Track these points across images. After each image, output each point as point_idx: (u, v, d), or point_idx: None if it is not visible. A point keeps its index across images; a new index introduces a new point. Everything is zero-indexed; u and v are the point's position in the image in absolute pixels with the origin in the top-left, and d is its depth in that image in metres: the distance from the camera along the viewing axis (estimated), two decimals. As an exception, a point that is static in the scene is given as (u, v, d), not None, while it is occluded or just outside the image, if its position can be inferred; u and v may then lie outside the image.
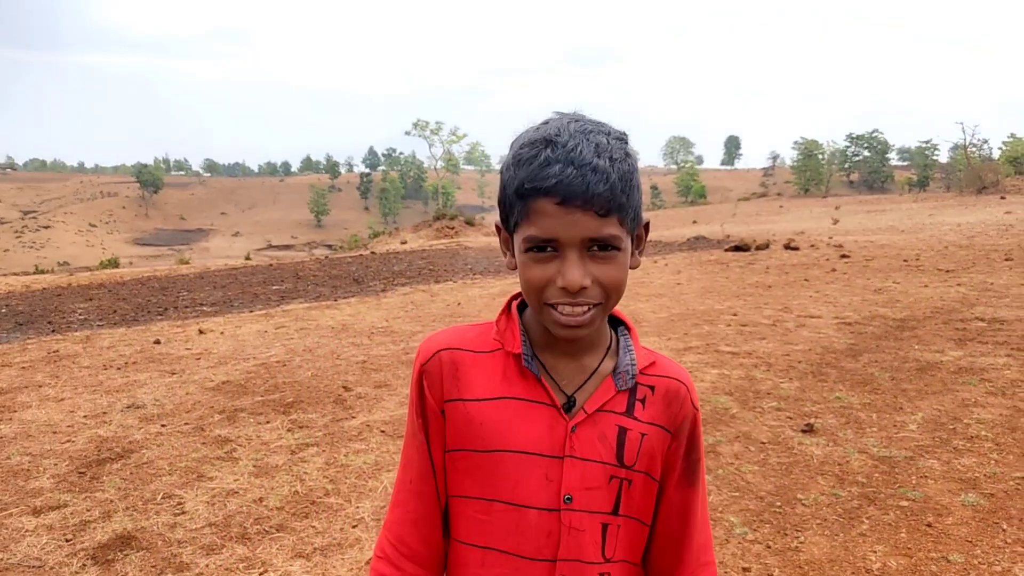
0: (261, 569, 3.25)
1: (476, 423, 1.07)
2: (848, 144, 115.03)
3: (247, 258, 33.14)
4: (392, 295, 12.76)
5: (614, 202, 0.96)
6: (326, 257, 25.47)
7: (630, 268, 1.05)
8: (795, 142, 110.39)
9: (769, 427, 4.91)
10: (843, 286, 11.34)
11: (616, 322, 1.17)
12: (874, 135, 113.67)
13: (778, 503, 3.77)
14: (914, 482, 3.95)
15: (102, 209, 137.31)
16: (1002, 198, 35.77)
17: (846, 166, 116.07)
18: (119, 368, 7.30)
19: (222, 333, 9.15)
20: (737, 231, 26.27)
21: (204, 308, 11.90)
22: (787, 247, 17.78)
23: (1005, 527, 3.40)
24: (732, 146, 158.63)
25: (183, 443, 4.93)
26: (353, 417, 5.39)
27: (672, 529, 1.15)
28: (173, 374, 6.94)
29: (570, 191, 0.94)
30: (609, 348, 1.13)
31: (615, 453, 1.07)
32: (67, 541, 3.55)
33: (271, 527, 3.66)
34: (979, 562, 3.12)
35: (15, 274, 26.45)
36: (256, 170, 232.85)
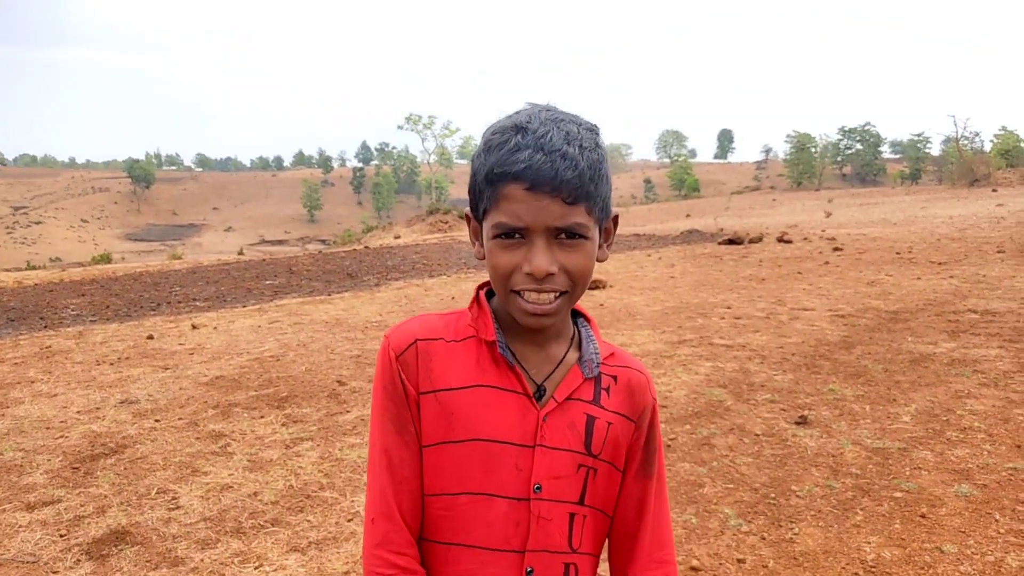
0: (256, 563, 3.25)
1: (448, 412, 1.05)
2: (840, 137, 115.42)
3: (240, 253, 33.03)
4: (386, 289, 12.74)
5: (582, 189, 0.96)
6: (319, 252, 25.42)
7: (598, 261, 1.04)
8: (788, 135, 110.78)
9: (763, 419, 4.92)
10: (836, 279, 11.37)
11: (576, 315, 1.17)
12: (866, 128, 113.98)
13: (772, 495, 3.78)
14: (908, 473, 3.97)
15: (93, 204, 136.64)
16: (994, 191, 35.89)
17: (839, 159, 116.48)
18: (112, 363, 7.27)
19: (215, 328, 9.13)
20: (730, 224, 26.31)
21: (197, 303, 11.86)
22: (780, 240, 17.82)
23: (998, 517, 3.42)
24: (725, 139, 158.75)
25: (177, 438, 4.92)
26: (347, 411, 5.38)
27: (628, 522, 1.15)
28: (166, 369, 6.91)
29: (539, 177, 0.94)
30: (573, 339, 1.13)
31: (583, 441, 1.07)
32: (61, 536, 3.54)
33: (266, 521, 3.65)
34: (972, 552, 3.13)
35: (6, 270, 26.30)
36: (248, 165, 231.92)
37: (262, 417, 5.31)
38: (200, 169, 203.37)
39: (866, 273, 11.84)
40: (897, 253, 14.27)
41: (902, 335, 7.17)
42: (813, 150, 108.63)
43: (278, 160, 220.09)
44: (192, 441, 4.85)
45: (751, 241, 18.02)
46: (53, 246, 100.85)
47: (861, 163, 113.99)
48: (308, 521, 3.65)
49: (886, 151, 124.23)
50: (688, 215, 38.80)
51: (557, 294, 1.00)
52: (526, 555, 1.05)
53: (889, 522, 3.43)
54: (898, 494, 3.72)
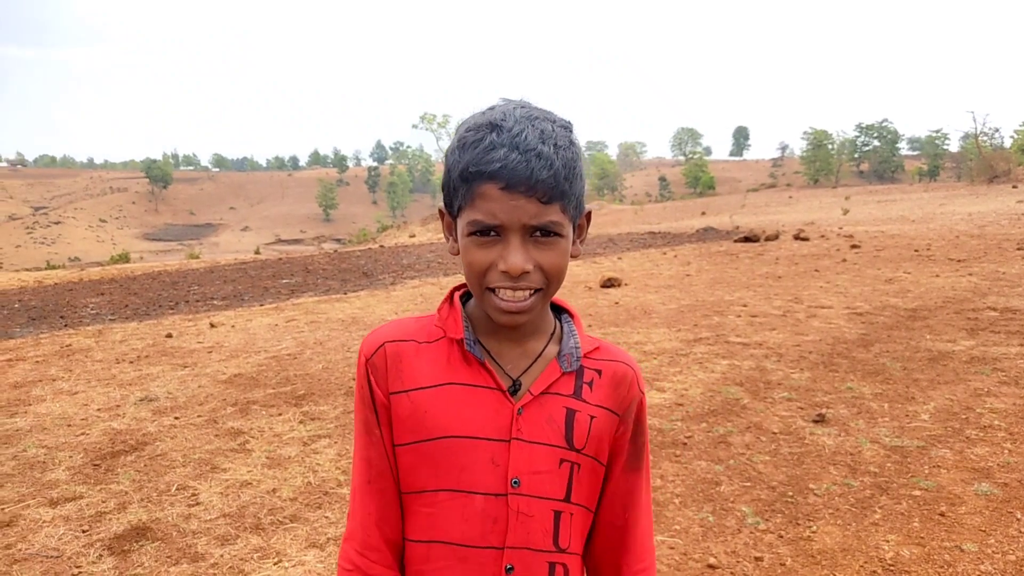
0: (275, 559, 3.28)
1: (421, 412, 1.05)
2: (858, 134, 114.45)
3: (256, 252, 33.26)
4: (401, 288, 12.78)
5: (557, 189, 0.96)
6: (335, 251, 25.54)
7: (572, 257, 1.04)
8: (804, 132, 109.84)
9: (780, 417, 4.90)
10: (854, 276, 11.29)
11: (560, 311, 1.17)
12: (884, 125, 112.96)
13: (790, 493, 3.77)
14: (927, 472, 3.94)
15: (112, 204, 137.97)
16: (1014, 187, 35.50)
17: (856, 156, 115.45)
18: (131, 362, 7.35)
19: (233, 326, 9.20)
20: (746, 222, 26.18)
21: (215, 302, 11.95)
22: (797, 238, 17.72)
23: (1020, 516, 3.39)
24: (741, 137, 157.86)
25: (196, 435, 4.97)
26: (364, 409, 5.40)
27: (615, 516, 1.15)
28: (185, 367, 6.98)
29: (514, 176, 0.94)
30: (553, 334, 1.13)
31: (564, 435, 1.06)
32: (83, 532, 3.58)
33: (285, 517, 3.69)
34: (993, 551, 3.11)
35: (27, 270, 26.63)
36: (264, 164, 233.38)
37: (280, 415, 5.35)
38: (217, 169, 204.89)
39: (884, 271, 11.75)
40: (915, 250, 14.15)
41: (921, 333, 7.11)
42: (830, 147, 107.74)
43: (294, 160, 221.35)
44: (211, 438, 4.90)
45: (767, 239, 17.93)
46: (72, 246, 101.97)
47: (879, 160, 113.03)
48: (326, 517, 3.67)
49: (904, 148, 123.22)
50: (703, 213, 38.63)
51: (532, 291, 1.01)
52: (505, 552, 1.04)
53: (908, 520, 3.41)
54: (917, 492, 3.69)
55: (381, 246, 26.28)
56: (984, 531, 3.27)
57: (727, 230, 22.58)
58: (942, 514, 3.45)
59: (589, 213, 1.09)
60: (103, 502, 3.93)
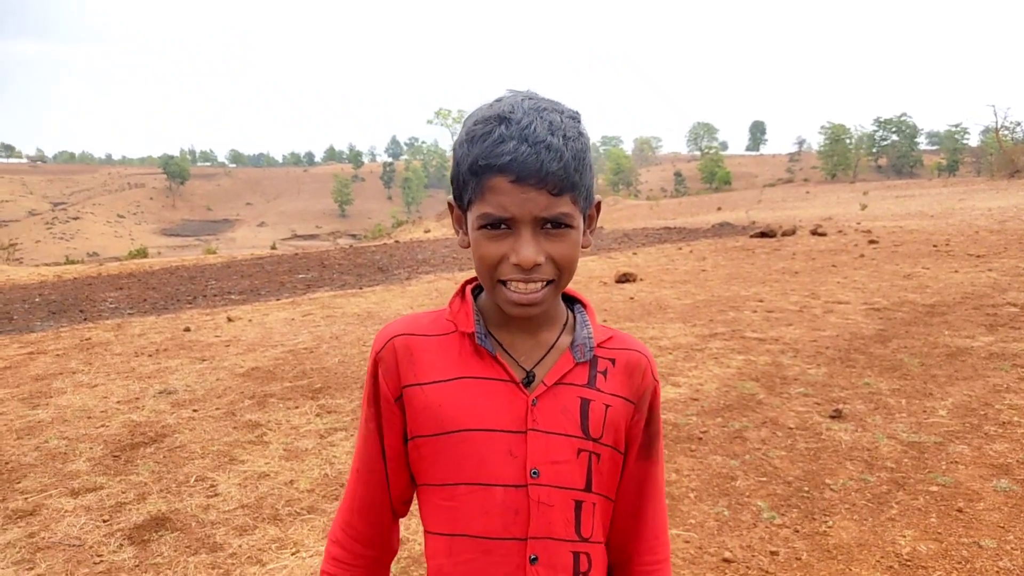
0: (293, 549, 3.31)
1: (435, 405, 1.06)
2: (876, 128, 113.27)
3: (273, 248, 33.44)
4: (417, 283, 12.82)
5: (567, 180, 0.96)
6: (351, 246, 25.64)
7: (582, 248, 1.04)
8: (822, 127, 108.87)
9: (796, 413, 4.88)
10: (871, 272, 11.21)
11: (572, 302, 1.17)
12: (902, 119, 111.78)
13: (806, 488, 3.76)
14: (944, 467, 3.92)
15: (130, 200, 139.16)
16: (1035, 182, 35.03)
17: (874, 151, 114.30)
18: (150, 355, 7.42)
19: (250, 321, 9.27)
20: (763, 217, 26.03)
21: (232, 296, 12.05)
22: (814, 233, 17.59)
23: (1038, 512, 3.36)
24: (757, 131, 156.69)
25: (215, 427, 5.02)
26: (380, 402, 5.44)
27: (630, 503, 1.15)
28: (203, 360, 7.04)
29: (524, 169, 0.94)
30: (566, 324, 1.13)
31: (579, 425, 1.06)
32: (104, 522, 3.63)
33: (302, 508, 3.72)
34: (1012, 548, 3.09)
35: (47, 264, 26.93)
36: (280, 160, 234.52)
37: (297, 407, 5.39)
38: (233, 165, 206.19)
39: (902, 266, 11.65)
40: (934, 246, 14.02)
41: (939, 329, 7.05)
42: (848, 141, 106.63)
43: (309, 156, 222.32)
44: (229, 430, 4.95)
45: (784, 234, 17.82)
46: (90, 241, 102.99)
47: (897, 155, 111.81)
48: (343, 509, 3.70)
49: (923, 142, 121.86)
50: (719, 208, 38.43)
51: (544, 283, 1.01)
52: (528, 542, 1.04)
53: (925, 516, 3.39)
54: (934, 488, 3.67)
55: (396, 241, 26.36)
56: (1003, 527, 3.25)
57: (743, 225, 22.46)
58: (960, 510, 3.43)
59: (599, 203, 1.09)
60: (123, 493, 3.98)
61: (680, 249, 16.53)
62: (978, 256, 12.27)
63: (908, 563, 3.01)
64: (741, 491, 3.75)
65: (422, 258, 17.60)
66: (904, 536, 3.22)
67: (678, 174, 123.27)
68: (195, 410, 5.42)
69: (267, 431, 4.91)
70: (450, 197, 1.09)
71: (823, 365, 5.97)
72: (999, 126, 64.30)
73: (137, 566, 3.20)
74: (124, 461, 4.46)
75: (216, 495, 3.92)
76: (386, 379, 1.09)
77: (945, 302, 8.38)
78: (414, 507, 1.17)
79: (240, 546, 3.35)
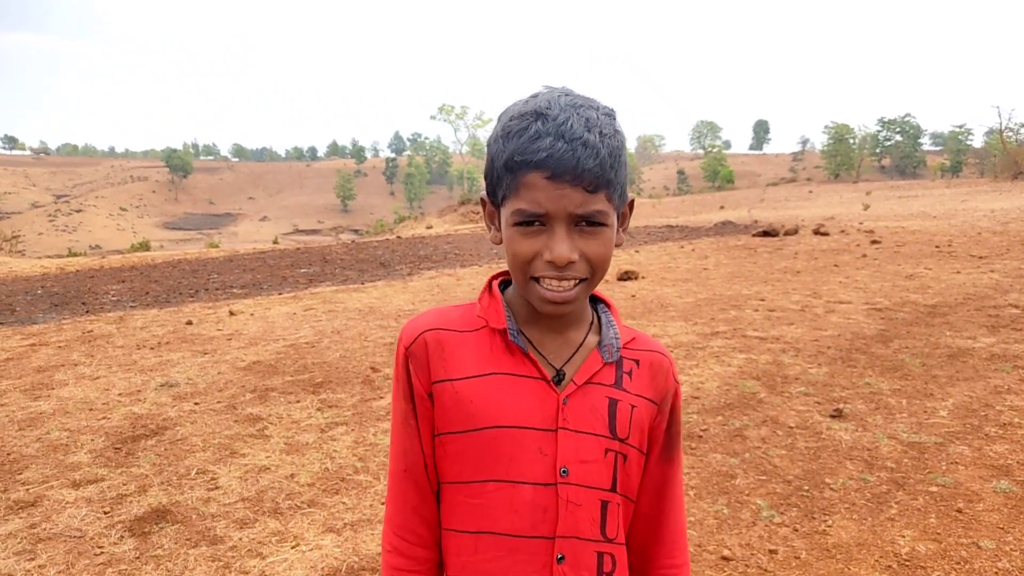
0: (293, 542, 3.32)
1: (466, 401, 1.05)
2: (880, 128, 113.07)
3: (275, 242, 33.44)
4: (418, 279, 12.83)
5: (603, 178, 0.95)
6: (353, 241, 25.66)
7: (616, 246, 1.04)
8: (825, 126, 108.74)
9: (797, 412, 4.88)
10: (873, 272, 11.20)
11: (595, 301, 1.16)
12: (906, 119, 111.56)
13: (806, 487, 3.76)
14: (944, 468, 3.92)
15: (132, 193, 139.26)
16: (1039, 184, 34.98)
17: (877, 151, 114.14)
18: (152, 348, 7.44)
19: (252, 315, 9.28)
20: (765, 216, 26.01)
21: (234, 290, 12.06)
22: (816, 232, 17.59)
23: (1037, 514, 3.36)
24: (761, 130, 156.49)
25: (216, 421, 5.03)
26: (381, 397, 5.45)
27: (649, 506, 1.15)
28: (205, 354, 7.06)
29: (560, 165, 0.93)
30: (592, 324, 1.13)
31: (607, 425, 1.06)
32: (105, 513, 3.65)
33: (302, 502, 3.73)
34: (1011, 549, 3.09)
35: (49, 256, 26.97)
36: (283, 155, 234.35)
37: (298, 402, 5.40)
38: (236, 159, 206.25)
39: (904, 266, 11.64)
40: (936, 247, 14.01)
41: (940, 329, 7.05)
42: (851, 141, 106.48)
43: (312, 150, 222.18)
44: (230, 424, 4.96)
45: (786, 233, 17.81)
46: (93, 234, 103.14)
47: (900, 155, 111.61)
48: (343, 503, 3.71)
49: (926, 143, 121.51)
50: (722, 207, 38.40)
51: (577, 281, 1.00)
52: (556, 541, 1.04)
53: (924, 516, 3.40)
54: (934, 488, 3.68)
55: (398, 237, 26.38)
56: (1002, 528, 3.25)
57: (745, 224, 22.45)
58: (959, 511, 3.43)
59: (632, 201, 1.08)
60: (124, 485, 3.99)
61: (682, 247, 16.53)
62: (980, 257, 12.26)
63: (907, 563, 3.01)
64: (741, 489, 3.76)
65: (424, 254, 17.61)
66: (903, 536, 3.22)
67: (681, 172, 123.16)
68: (196, 403, 5.43)
69: (268, 425, 4.92)
70: (483, 192, 1.08)
71: (824, 364, 5.97)
72: (1003, 127, 64.15)
73: (137, 558, 3.21)
74: (125, 453, 4.47)
75: (217, 488, 3.93)
76: (418, 374, 1.08)
77: (947, 303, 8.38)
78: None
79: (240, 539, 3.36)
